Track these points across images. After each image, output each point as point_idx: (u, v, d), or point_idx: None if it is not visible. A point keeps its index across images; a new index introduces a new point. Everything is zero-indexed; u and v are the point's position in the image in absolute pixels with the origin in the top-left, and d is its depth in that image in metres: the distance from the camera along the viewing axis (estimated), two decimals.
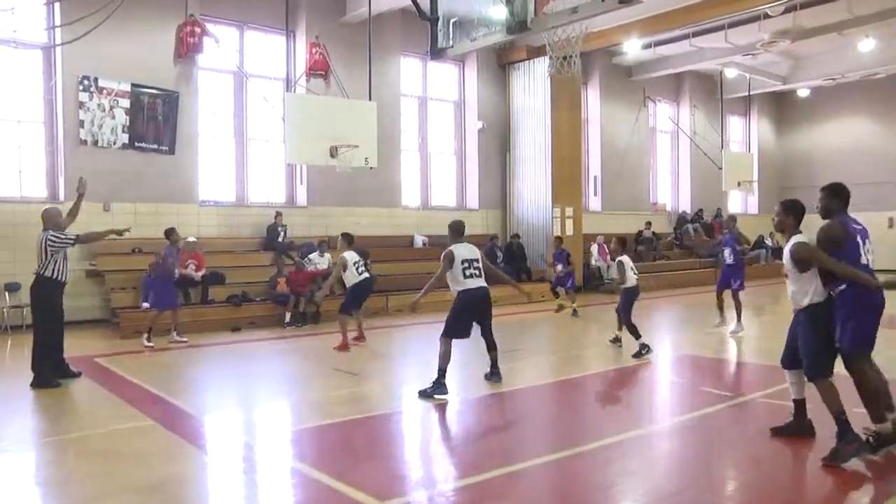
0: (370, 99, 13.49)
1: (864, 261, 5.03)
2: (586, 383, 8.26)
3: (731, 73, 23.84)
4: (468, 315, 7.26)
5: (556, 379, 8.44)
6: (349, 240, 10.38)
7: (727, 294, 11.37)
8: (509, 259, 17.32)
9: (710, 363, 9.28)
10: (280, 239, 14.36)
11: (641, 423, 6.45)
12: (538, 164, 18.65)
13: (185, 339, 10.86)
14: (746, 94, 25.25)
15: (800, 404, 5.43)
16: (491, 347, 7.63)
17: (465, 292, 7.22)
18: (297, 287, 12.98)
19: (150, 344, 10.38)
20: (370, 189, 16.43)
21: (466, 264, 7.28)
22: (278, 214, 14.69)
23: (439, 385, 6.96)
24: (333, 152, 12.64)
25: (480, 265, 7.32)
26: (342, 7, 16.08)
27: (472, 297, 7.24)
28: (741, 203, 28.18)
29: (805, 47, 21.85)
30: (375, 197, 16.75)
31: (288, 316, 12.75)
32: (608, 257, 19.34)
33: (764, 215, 28.15)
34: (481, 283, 7.31)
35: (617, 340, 10.06)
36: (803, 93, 27.25)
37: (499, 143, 19.48)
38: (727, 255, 11.30)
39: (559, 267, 14.26)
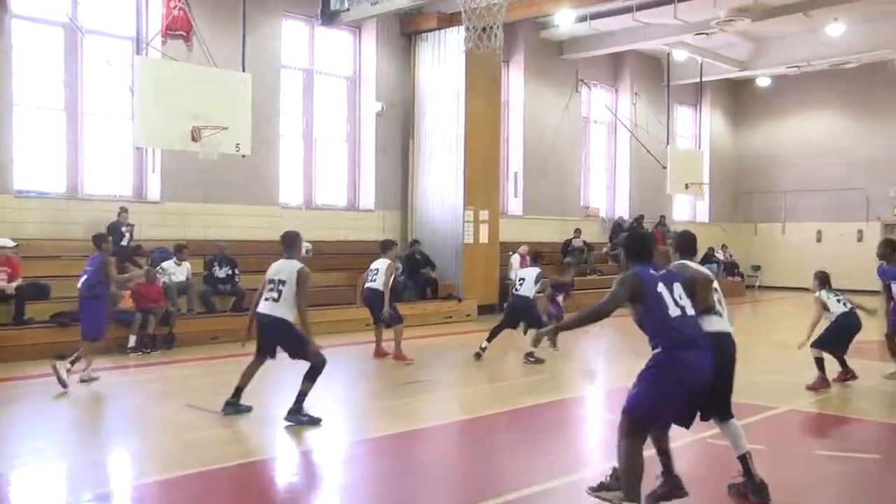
0: (243, 69, 13.76)
1: (673, 312, 5.26)
2: (504, 421, 8.73)
3: (680, 56, 25.07)
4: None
5: (465, 417, 9.04)
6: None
7: None
8: (411, 272, 17.78)
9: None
10: (124, 242, 14.32)
11: (573, 467, 6.92)
12: (448, 156, 19.24)
13: None
14: (698, 80, 26.40)
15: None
16: (304, 378, 8.07)
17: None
18: (145, 303, 13.07)
19: None
20: (241, 182, 16.63)
21: (271, 285, 8.06)
22: (123, 211, 14.63)
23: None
24: (196, 135, 12.77)
25: (284, 287, 7.96)
26: None
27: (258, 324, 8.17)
28: (689, 209, 29.76)
29: (767, 28, 23.20)
30: (248, 192, 16.96)
31: (132, 340, 12.77)
32: None
33: (716, 224, 29.83)
34: (267, 308, 8.06)
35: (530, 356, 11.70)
36: (763, 82, 28.96)
37: (401, 129, 20.01)
38: None
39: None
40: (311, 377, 7.99)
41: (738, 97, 31.34)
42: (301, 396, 7.94)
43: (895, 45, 23.94)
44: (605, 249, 24.34)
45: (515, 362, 12.59)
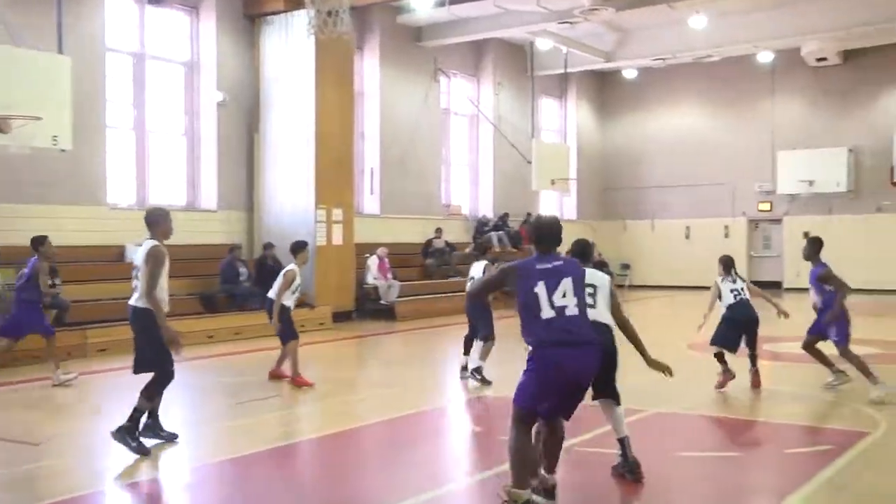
0: (60, 51, 13.38)
1: (546, 314, 5.58)
2: (358, 437, 8.76)
3: (544, 45, 25.71)
4: None
5: (316, 434, 8.96)
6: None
7: None
8: (260, 279, 17.47)
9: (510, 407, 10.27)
10: None
11: (433, 482, 6.94)
12: (298, 151, 19.11)
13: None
14: (563, 71, 27.37)
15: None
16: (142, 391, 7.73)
17: None
18: None
19: None
20: (62, 180, 15.90)
21: (133, 272, 7.82)
22: None
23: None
24: (4, 125, 12.26)
25: (139, 274, 7.66)
26: None
27: None
28: (556, 206, 30.48)
29: (632, 19, 24.23)
30: (69, 191, 16.20)
31: None
32: (389, 274, 20.27)
33: (583, 221, 30.66)
34: (131, 299, 7.81)
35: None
36: (630, 74, 30.24)
37: (245, 121, 19.72)
38: None
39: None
40: (150, 392, 7.63)
41: (604, 89, 32.40)
42: (136, 413, 7.54)
43: (756, 39, 25.55)
44: (468, 250, 24.50)
45: (371, 372, 12.57)
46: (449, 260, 23.27)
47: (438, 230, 23.63)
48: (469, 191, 27.18)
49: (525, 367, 5.63)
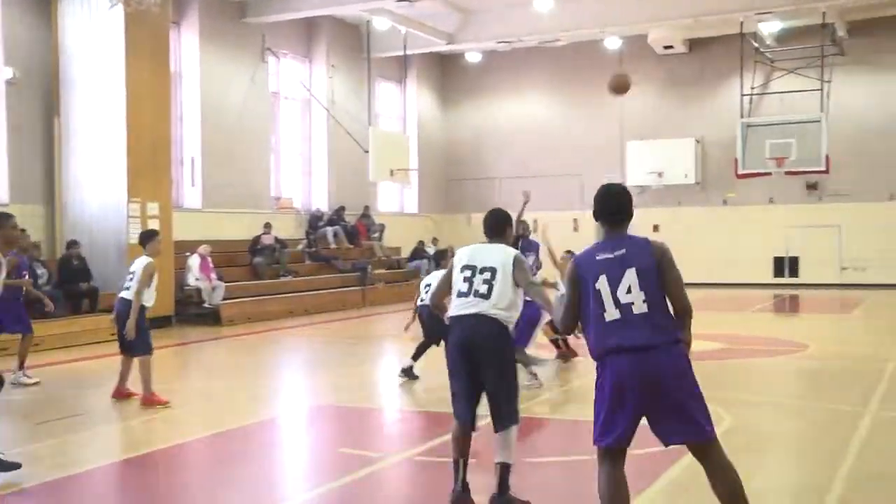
0: None
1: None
2: (182, 454, 8.55)
3: (381, 25, 25.86)
4: None
5: (131, 455, 8.58)
6: None
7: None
8: (64, 280, 16.71)
9: (354, 415, 10.25)
10: None
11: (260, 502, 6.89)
12: (106, 138, 18.47)
13: None
14: (402, 53, 27.54)
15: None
16: None
17: None
18: None
19: None
20: None
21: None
22: None
23: None
24: None
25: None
26: None
27: None
28: (396, 199, 30.84)
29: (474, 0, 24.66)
30: None
31: None
32: (213, 274, 19.82)
33: (425, 215, 30.80)
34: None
35: None
36: (473, 57, 30.81)
37: (42, 103, 18.96)
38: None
39: None
40: None
41: (446, 74, 32.91)
42: None
43: (603, 23, 26.43)
44: (300, 247, 24.42)
45: (191, 384, 12.10)
46: (280, 258, 22.98)
47: (268, 225, 23.22)
48: (301, 182, 27.06)
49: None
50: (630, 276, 5.16)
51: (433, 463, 7.71)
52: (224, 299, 19.91)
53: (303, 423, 10.05)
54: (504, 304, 6.08)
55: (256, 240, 22.81)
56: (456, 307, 6.21)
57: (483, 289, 6.06)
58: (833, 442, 8.57)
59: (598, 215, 5.51)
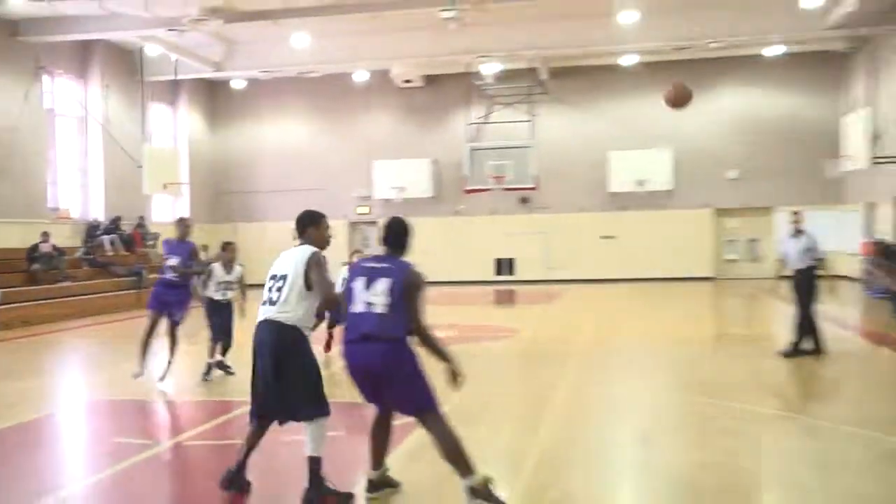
0: None
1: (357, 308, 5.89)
2: None
3: (153, 51, 25.15)
4: None
5: None
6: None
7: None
8: None
9: (129, 407, 9.80)
10: None
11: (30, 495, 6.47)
12: None
13: None
14: (173, 77, 27.06)
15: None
16: None
17: None
18: None
19: None
20: None
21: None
22: None
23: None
24: None
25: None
26: None
27: None
28: (169, 209, 29.83)
29: (240, 32, 24.41)
30: None
31: None
32: None
33: (196, 224, 29.65)
34: None
35: None
36: (239, 84, 30.53)
37: None
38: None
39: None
40: None
41: (215, 98, 32.28)
42: None
43: (353, 59, 27.00)
44: (78, 254, 23.13)
45: None
46: (58, 264, 21.53)
47: (45, 234, 21.72)
48: (79, 194, 25.51)
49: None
50: (382, 284, 5.68)
51: (206, 446, 7.78)
52: (2, 304, 18.28)
53: (80, 418, 9.48)
54: (289, 308, 5.84)
55: (34, 248, 21.29)
56: (258, 313, 6.09)
57: (274, 296, 5.88)
58: (535, 410, 9.03)
59: (380, 239, 6.07)
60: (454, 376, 5.87)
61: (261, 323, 5.95)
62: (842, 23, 22.85)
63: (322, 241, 6.19)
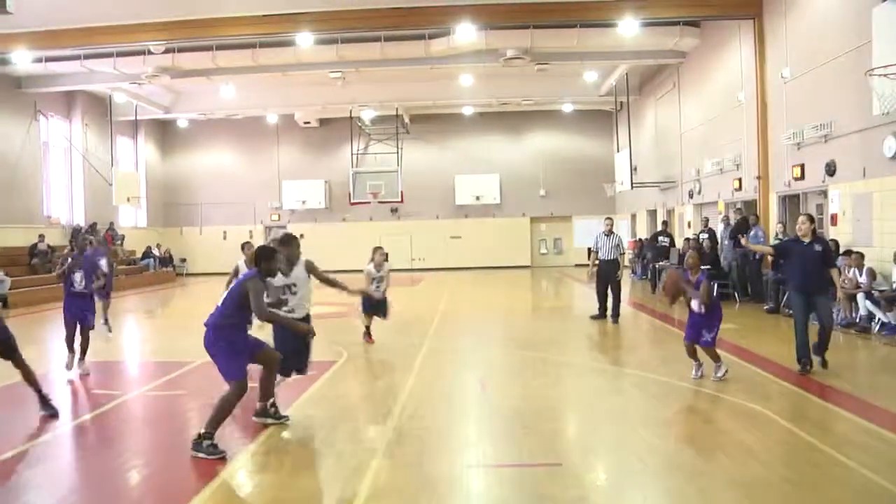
0: None
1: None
2: None
3: (120, 98, 25.78)
4: None
5: None
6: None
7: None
8: None
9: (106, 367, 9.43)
10: None
11: (31, 436, 6.15)
12: None
13: None
14: (134, 118, 27.38)
15: None
16: None
17: None
18: None
19: None
20: None
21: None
22: None
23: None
24: None
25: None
26: None
27: None
28: (132, 216, 30.11)
29: (184, 84, 24.95)
30: None
31: None
32: (0, 272, 19.07)
33: (152, 228, 30.92)
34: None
35: None
36: (183, 123, 30.66)
37: None
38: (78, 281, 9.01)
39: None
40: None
41: (166, 133, 32.29)
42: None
43: (266, 105, 27.61)
44: (66, 251, 23.68)
45: None
46: (52, 259, 21.98)
47: (41, 236, 22.51)
48: (66, 205, 25.92)
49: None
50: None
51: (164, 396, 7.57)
52: (10, 289, 18.80)
53: (69, 375, 8.66)
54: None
55: (34, 247, 22.14)
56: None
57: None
58: (405, 364, 8.95)
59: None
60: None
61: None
62: (609, 91, 25.42)
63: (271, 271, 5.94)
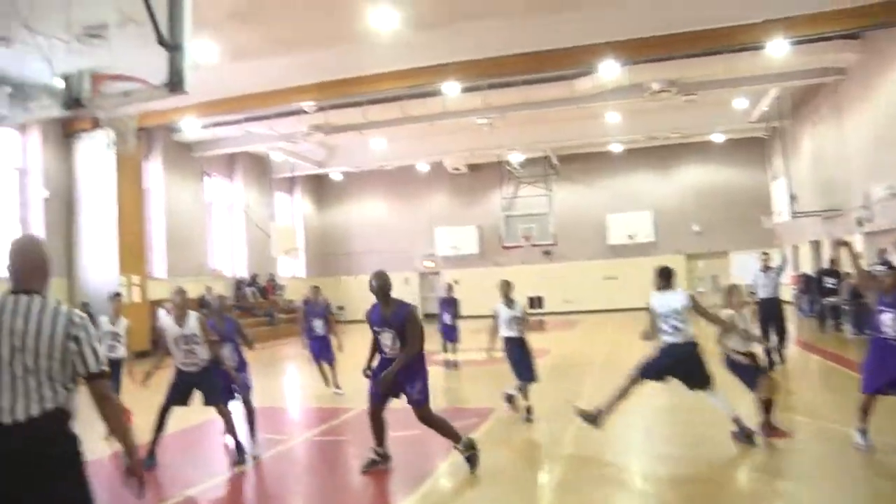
0: None
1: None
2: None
3: (277, 156, 26.77)
4: None
5: None
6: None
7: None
8: None
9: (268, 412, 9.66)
10: None
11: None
12: (104, 233, 18.87)
13: None
14: (290, 174, 28.36)
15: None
16: None
17: None
18: None
19: None
20: None
21: None
22: None
23: None
24: None
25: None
26: None
27: None
28: (291, 268, 31.02)
29: (336, 139, 25.43)
30: None
31: None
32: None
33: (310, 278, 31.72)
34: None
35: None
36: (337, 176, 31.51)
37: (64, 211, 19.17)
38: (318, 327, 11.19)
39: (447, 315, 13.78)
40: None
41: (320, 186, 33.24)
42: None
43: (416, 156, 27.83)
44: (230, 301, 24.74)
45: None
46: (218, 308, 23.15)
47: (208, 288, 22.88)
48: (229, 258, 26.98)
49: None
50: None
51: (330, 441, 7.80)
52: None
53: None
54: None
55: (202, 297, 22.73)
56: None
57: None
58: (568, 407, 7.81)
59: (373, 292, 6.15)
60: None
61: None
62: (761, 117, 23.67)
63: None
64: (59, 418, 2.94)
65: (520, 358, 8.43)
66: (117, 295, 9.14)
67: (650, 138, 26.83)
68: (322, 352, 11.25)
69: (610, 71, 17.66)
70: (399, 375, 5.95)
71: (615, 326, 22.60)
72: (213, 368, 6.96)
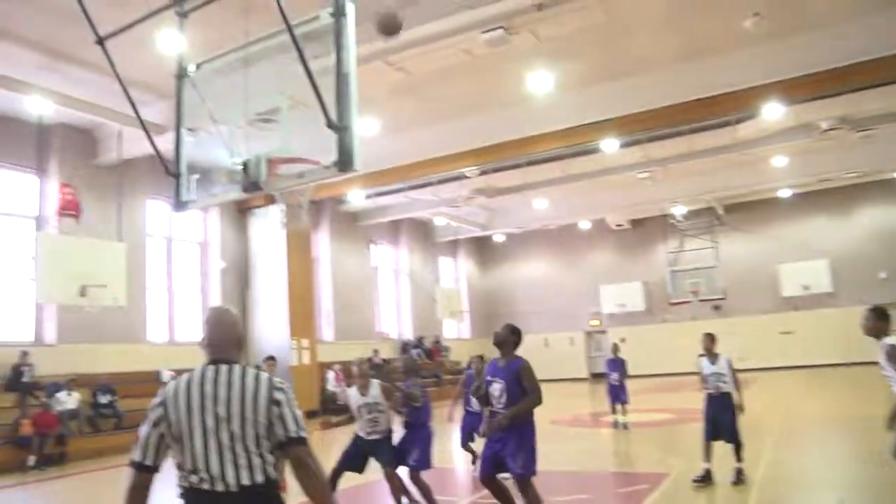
0: (119, 240, 14.37)
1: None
2: None
3: (440, 221, 27.26)
4: None
5: None
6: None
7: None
8: None
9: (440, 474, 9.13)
10: (24, 378, 13.84)
11: None
12: (276, 300, 19.75)
13: None
14: (454, 238, 28.86)
15: None
16: None
17: None
18: (43, 428, 12.72)
19: None
20: (118, 325, 16.16)
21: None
22: (24, 353, 14.11)
23: None
24: (83, 291, 13.06)
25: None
26: (93, 150, 16.40)
27: None
28: (455, 329, 31.29)
29: (498, 202, 25.59)
30: (123, 333, 16.52)
31: (32, 459, 12.29)
32: (343, 383, 20.58)
33: (475, 339, 31.73)
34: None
35: None
36: (499, 238, 31.68)
37: (239, 281, 20.38)
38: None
39: (614, 375, 13.74)
40: None
41: (482, 249, 33.44)
42: None
43: (577, 214, 27.43)
44: (398, 363, 24.99)
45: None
46: (385, 371, 23.51)
47: (375, 350, 23.77)
48: (395, 321, 27.52)
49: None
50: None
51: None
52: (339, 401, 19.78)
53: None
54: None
55: (370, 359, 23.76)
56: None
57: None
58: (748, 472, 7.93)
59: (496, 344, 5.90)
60: None
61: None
62: None
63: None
64: (270, 487, 2.95)
65: (718, 416, 8.02)
66: (271, 358, 9.30)
67: (822, 180, 25.14)
68: (475, 428, 9.37)
69: (774, 113, 16.59)
70: (506, 446, 5.63)
71: (794, 384, 21.59)
72: (413, 431, 7.08)
